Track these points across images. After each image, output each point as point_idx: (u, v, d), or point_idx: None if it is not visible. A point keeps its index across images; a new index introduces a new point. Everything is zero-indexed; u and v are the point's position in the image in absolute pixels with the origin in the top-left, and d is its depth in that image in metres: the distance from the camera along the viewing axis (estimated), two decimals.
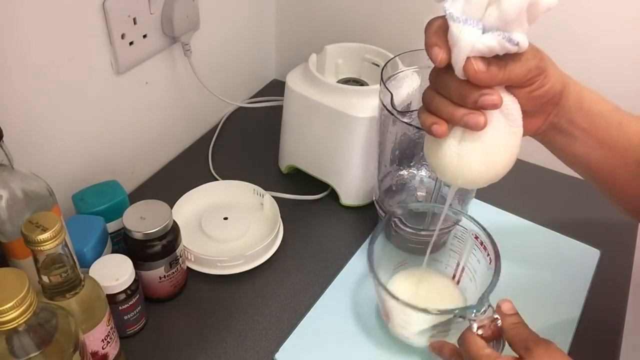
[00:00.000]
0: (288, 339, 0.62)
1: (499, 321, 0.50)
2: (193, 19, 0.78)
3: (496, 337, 0.50)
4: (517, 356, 0.48)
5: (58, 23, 0.62)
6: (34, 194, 0.52)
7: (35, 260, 0.45)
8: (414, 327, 0.58)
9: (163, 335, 0.63)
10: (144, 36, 0.73)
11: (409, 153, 0.71)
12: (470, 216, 0.60)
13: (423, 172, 0.75)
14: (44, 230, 0.43)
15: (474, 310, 0.51)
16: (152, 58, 0.76)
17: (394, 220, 0.70)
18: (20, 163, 0.51)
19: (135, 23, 0.70)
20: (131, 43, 0.71)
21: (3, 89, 0.59)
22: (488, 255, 0.58)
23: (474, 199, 0.75)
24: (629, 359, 0.68)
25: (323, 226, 0.77)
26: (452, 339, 0.54)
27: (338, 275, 0.70)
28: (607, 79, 0.80)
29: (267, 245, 0.70)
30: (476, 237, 0.60)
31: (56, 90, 0.65)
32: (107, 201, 0.65)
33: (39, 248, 0.43)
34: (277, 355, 0.61)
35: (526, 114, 0.46)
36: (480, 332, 0.50)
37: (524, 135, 0.47)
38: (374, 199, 0.74)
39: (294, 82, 0.76)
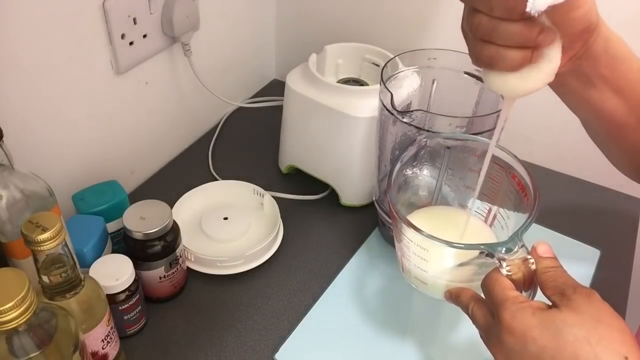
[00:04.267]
0: (288, 339, 0.62)
1: (533, 264, 0.44)
2: (193, 19, 0.78)
3: (527, 282, 0.44)
4: (550, 303, 0.41)
5: (58, 23, 0.62)
6: (34, 194, 0.52)
7: (35, 260, 0.45)
8: (432, 267, 0.51)
9: (163, 335, 0.63)
10: (144, 36, 0.73)
11: None
12: (510, 152, 0.53)
13: (424, 172, 0.75)
14: (44, 230, 0.43)
15: (504, 248, 0.44)
16: (152, 58, 0.76)
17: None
18: (20, 163, 0.51)
19: (135, 23, 0.70)
20: (131, 43, 0.71)
21: (3, 89, 0.59)
22: (525, 195, 0.51)
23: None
24: None
25: (323, 226, 0.77)
26: (476, 287, 0.48)
27: (338, 275, 0.70)
28: None
29: (267, 245, 0.70)
30: (513, 177, 0.53)
31: (56, 90, 0.65)
32: (107, 201, 0.65)
33: (39, 248, 0.43)
34: (277, 355, 0.61)
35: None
36: (508, 272, 0.43)
37: None
38: (374, 199, 0.74)
39: (294, 82, 0.76)
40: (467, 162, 0.64)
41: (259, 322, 0.64)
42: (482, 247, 0.45)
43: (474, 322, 0.46)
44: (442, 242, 0.47)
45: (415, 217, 0.58)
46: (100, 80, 0.70)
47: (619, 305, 0.68)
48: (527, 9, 0.35)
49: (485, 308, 0.45)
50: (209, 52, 0.87)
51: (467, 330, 0.64)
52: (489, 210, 0.58)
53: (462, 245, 0.46)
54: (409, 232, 0.50)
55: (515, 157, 0.53)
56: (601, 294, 0.69)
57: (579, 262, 0.72)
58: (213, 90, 0.86)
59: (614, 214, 0.81)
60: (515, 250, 0.44)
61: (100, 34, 0.67)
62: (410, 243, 0.51)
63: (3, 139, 0.48)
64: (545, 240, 0.45)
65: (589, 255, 0.73)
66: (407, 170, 0.75)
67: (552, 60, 0.41)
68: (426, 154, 0.72)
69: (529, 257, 0.44)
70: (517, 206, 0.54)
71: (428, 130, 0.61)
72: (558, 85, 0.50)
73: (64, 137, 0.69)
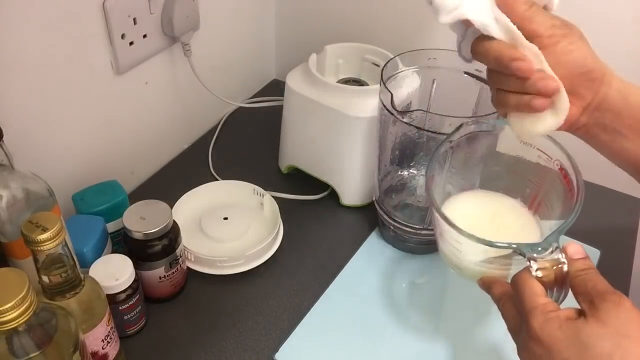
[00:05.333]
0: (288, 339, 0.62)
1: (565, 266, 0.42)
2: (193, 19, 0.78)
3: (559, 285, 0.43)
4: (580, 309, 0.41)
5: (58, 23, 0.62)
6: (34, 194, 0.52)
7: (35, 260, 0.45)
8: (466, 257, 0.51)
9: (163, 335, 0.63)
10: (144, 36, 0.73)
11: (409, 153, 0.71)
12: (557, 141, 0.52)
13: (423, 172, 0.75)
14: (44, 230, 0.43)
15: (538, 249, 0.43)
16: (152, 58, 0.76)
17: (393, 219, 0.70)
18: (20, 163, 0.51)
19: (135, 23, 0.70)
20: (131, 43, 0.71)
21: (3, 88, 0.59)
22: (571, 190, 0.49)
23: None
24: None
25: (323, 226, 0.77)
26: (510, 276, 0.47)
27: (338, 275, 0.70)
28: None
29: (267, 245, 0.70)
30: (561, 169, 0.51)
31: (56, 90, 0.65)
32: (107, 201, 0.65)
33: (39, 248, 0.43)
34: (277, 355, 0.61)
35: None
36: (540, 274, 0.42)
37: (564, 129, 0.49)
38: (374, 199, 0.74)
39: (294, 82, 0.76)
40: (470, 161, 0.64)
41: (259, 322, 0.64)
42: (514, 246, 0.45)
43: (504, 318, 0.46)
44: (473, 239, 0.46)
45: (456, 202, 0.57)
46: (100, 80, 0.70)
47: None
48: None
49: (515, 308, 0.45)
50: (209, 52, 0.87)
51: (467, 330, 0.64)
52: (534, 197, 0.56)
53: (493, 243, 0.45)
54: (443, 224, 0.49)
55: (569, 155, 0.52)
56: None
57: None
58: (213, 90, 0.86)
59: (614, 214, 0.81)
60: (549, 252, 0.43)
61: (100, 34, 0.67)
62: (444, 232, 0.51)
63: (3, 139, 0.48)
64: (575, 241, 0.44)
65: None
66: (404, 170, 0.75)
67: (558, 105, 0.46)
68: (425, 154, 0.72)
69: (562, 259, 0.43)
70: (561, 198, 0.52)
71: (428, 131, 0.61)
72: (588, 137, 0.52)
73: (64, 137, 0.69)
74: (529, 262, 0.43)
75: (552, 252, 0.43)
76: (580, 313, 0.40)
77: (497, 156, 0.57)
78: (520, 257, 0.44)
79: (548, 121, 0.47)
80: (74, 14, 0.63)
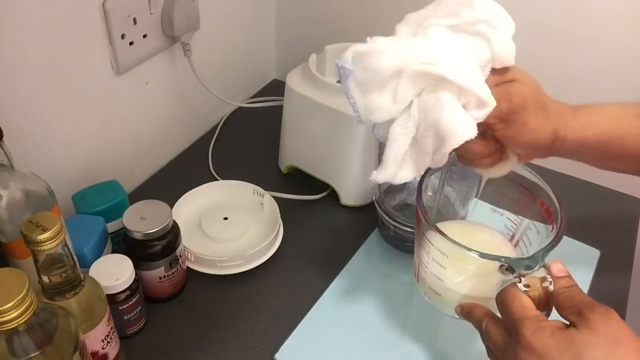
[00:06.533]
0: (288, 339, 0.62)
1: (551, 284, 0.44)
2: (193, 19, 0.78)
3: (544, 301, 0.44)
4: (567, 323, 0.42)
5: (58, 23, 0.62)
6: (34, 194, 0.52)
7: (35, 260, 0.45)
8: (450, 276, 0.52)
9: (163, 335, 0.63)
10: (144, 36, 0.73)
11: None
12: (538, 176, 0.56)
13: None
14: (44, 230, 0.43)
15: (526, 265, 0.44)
16: (152, 58, 0.76)
17: (393, 219, 0.70)
18: (20, 163, 0.51)
19: (135, 23, 0.70)
20: (131, 43, 0.71)
21: (3, 88, 0.59)
22: (551, 221, 0.53)
23: (474, 199, 0.74)
24: None
25: (323, 226, 0.77)
26: (489, 305, 0.48)
27: (338, 275, 0.70)
28: (607, 78, 0.80)
29: (267, 245, 0.70)
30: (542, 204, 0.55)
31: (56, 90, 0.65)
32: (107, 201, 0.65)
33: (39, 248, 0.43)
34: (277, 355, 0.61)
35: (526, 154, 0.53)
36: (526, 289, 0.44)
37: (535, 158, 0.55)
38: (374, 199, 0.74)
39: (294, 82, 0.76)
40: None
41: (259, 322, 0.64)
42: (503, 259, 0.46)
43: (489, 339, 0.46)
44: (465, 248, 0.47)
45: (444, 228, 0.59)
46: (100, 80, 0.70)
47: (619, 305, 0.68)
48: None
49: (501, 325, 0.45)
50: (209, 52, 0.87)
51: (467, 330, 0.64)
52: (514, 234, 0.59)
53: (484, 254, 0.47)
54: (432, 237, 0.50)
55: (543, 181, 0.56)
56: (601, 294, 0.69)
57: (579, 262, 0.72)
58: (213, 90, 0.86)
59: (614, 214, 0.81)
60: (536, 268, 0.44)
61: (100, 34, 0.67)
62: (432, 248, 0.52)
63: (3, 139, 0.48)
64: (559, 259, 0.46)
65: (589, 255, 0.73)
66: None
67: (510, 157, 0.53)
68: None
69: (548, 277, 0.44)
70: (541, 232, 0.55)
71: None
72: (575, 159, 0.57)
73: (64, 137, 0.69)
74: (518, 277, 0.44)
75: (539, 269, 0.44)
76: (569, 326, 0.41)
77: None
78: (505, 278, 0.46)
79: (504, 167, 0.54)
80: (74, 14, 0.63)
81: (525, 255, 0.53)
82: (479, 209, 0.61)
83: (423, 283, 0.56)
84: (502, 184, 0.57)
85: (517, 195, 0.57)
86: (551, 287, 0.44)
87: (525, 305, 0.43)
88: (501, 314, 0.45)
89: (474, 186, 0.60)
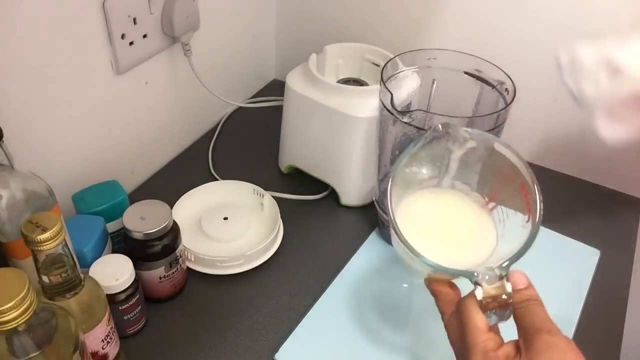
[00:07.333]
0: (288, 339, 0.62)
1: (510, 297, 0.43)
2: (193, 19, 0.78)
3: (500, 312, 0.44)
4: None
5: (58, 23, 0.62)
6: (34, 194, 0.52)
7: (35, 260, 0.45)
8: (418, 264, 0.50)
9: (163, 335, 0.63)
10: (144, 36, 0.73)
11: None
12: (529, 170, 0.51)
13: (423, 172, 0.75)
14: (44, 230, 0.43)
15: (487, 277, 0.43)
16: (152, 58, 0.76)
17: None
18: (20, 163, 0.51)
19: (135, 23, 0.70)
20: (131, 43, 0.71)
21: (3, 89, 0.59)
22: (528, 211, 0.50)
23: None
24: (630, 359, 0.68)
25: (323, 226, 0.77)
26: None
27: (338, 275, 0.70)
28: None
29: (267, 245, 0.70)
30: (522, 186, 0.51)
31: (56, 90, 0.65)
32: (107, 201, 0.65)
33: (39, 248, 0.43)
34: (277, 355, 0.61)
35: None
36: (484, 300, 0.43)
37: None
38: (374, 199, 0.74)
39: (294, 82, 0.76)
40: (468, 161, 0.64)
41: (259, 322, 0.64)
42: (461, 271, 0.45)
43: (447, 332, 0.47)
44: (422, 260, 0.46)
45: (415, 199, 0.57)
46: (100, 80, 0.70)
47: (619, 305, 0.68)
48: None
49: (458, 329, 0.45)
50: (209, 52, 0.87)
51: None
52: (492, 197, 0.56)
53: (442, 267, 0.46)
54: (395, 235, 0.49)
55: (530, 172, 0.52)
56: (601, 294, 0.69)
57: (579, 262, 0.72)
58: (213, 90, 0.86)
59: (614, 214, 0.81)
60: (497, 279, 0.44)
61: (100, 34, 0.67)
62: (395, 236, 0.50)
63: (3, 139, 0.48)
64: (519, 270, 0.45)
65: (589, 255, 0.73)
66: (406, 168, 0.75)
67: None
68: (427, 150, 0.71)
69: (508, 289, 0.43)
70: (518, 213, 0.52)
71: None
72: None
73: (64, 137, 0.69)
74: (475, 286, 0.44)
75: (499, 282, 0.43)
76: (516, 353, 0.41)
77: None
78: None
79: None
80: (74, 14, 0.63)
81: (500, 226, 0.53)
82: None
83: (396, 249, 0.54)
84: (474, 158, 0.55)
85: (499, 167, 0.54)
86: (510, 300, 0.43)
87: (478, 327, 0.42)
88: (457, 324, 0.45)
89: (473, 183, 0.59)
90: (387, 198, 0.50)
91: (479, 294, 0.43)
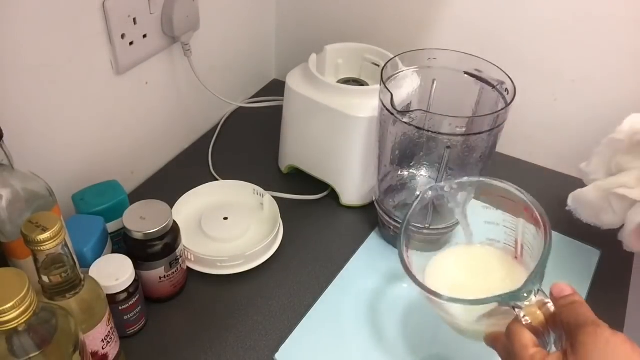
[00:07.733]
0: (288, 339, 0.62)
1: (552, 307, 0.43)
2: (193, 19, 0.78)
3: (550, 325, 0.44)
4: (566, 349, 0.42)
5: (58, 23, 0.62)
6: (34, 194, 0.52)
7: (35, 260, 0.45)
8: (460, 319, 0.51)
9: (163, 335, 0.63)
10: (144, 36, 0.73)
11: (409, 153, 0.71)
12: (518, 188, 0.54)
13: (423, 172, 0.75)
14: (44, 230, 0.43)
15: (521, 295, 0.44)
16: (152, 58, 0.76)
17: (393, 219, 0.70)
18: (20, 163, 0.51)
19: (135, 23, 0.70)
20: (131, 43, 0.71)
21: (3, 88, 0.59)
22: (541, 228, 0.51)
23: (473, 200, 0.74)
24: None
25: (323, 226, 0.77)
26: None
27: (338, 275, 0.70)
28: (607, 78, 0.80)
29: (267, 245, 0.70)
30: (526, 209, 0.53)
31: (56, 90, 0.65)
32: (107, 201, 0.65)
33: (39, 248, 0.43)
34: (277, 355, 0.61)
35: None
36: (528, 320, 0.43)
37: None
38: (374, 199, 0.74)
39: (294, 82, 0.76)
40: (468, 161, 0.64)
41: (259, 322, 0.64)
42: (496, 299, 0.45)
43: None
44: (454, 302, 0.46)
45: (440, 258, 0.58)
46: (100, 80, 0.70)
47: (619, 305, 0.68)
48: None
49: (511, 356, 0.45)
50: (208, 52, 0.87)
51: None
52: (516, 242, 0.58)
53: (474, 300, 0.46)
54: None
55: (523, 193, 0.53)
56: (601, 294, 0.69)
57: (579, 262, 0.72)
58: (213, 90, 0.86)
59: None
60: (532, 295, 0.44)
61: (100, 34, 0.67)
62: (429, 300, 0.51)
63: (3, 139, 0.48)
64: (561, 282, 0.45)
65: (589, 255, 0.73)
66: (404, 170, 0.75)
67: None
68: (425, 154, 0.72)
69: (546, 299, 0.44)
70: (536, 236, 0.53)
71: (428, 131, 0.61)
72: None
73: (64, 137, 0.69)
74: (515, 310, 0.44)
75: (535, 294, 0.44)
76: (566, 354, 0.41)
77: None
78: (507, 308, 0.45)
79: None
80: (74, 14, 0.63)
81: (533, 264, 0.52)
82: (474, 226, 0.60)
83: (443, 321, 0.55)
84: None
85: (502, 207, 0.57)
86: (552, 308, 0.44)
87: (524, 344, 0.43)
88: (508, 352, 0.45)
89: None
90: (408, 269, 0.52)
91: (521, 313, 0.44)
